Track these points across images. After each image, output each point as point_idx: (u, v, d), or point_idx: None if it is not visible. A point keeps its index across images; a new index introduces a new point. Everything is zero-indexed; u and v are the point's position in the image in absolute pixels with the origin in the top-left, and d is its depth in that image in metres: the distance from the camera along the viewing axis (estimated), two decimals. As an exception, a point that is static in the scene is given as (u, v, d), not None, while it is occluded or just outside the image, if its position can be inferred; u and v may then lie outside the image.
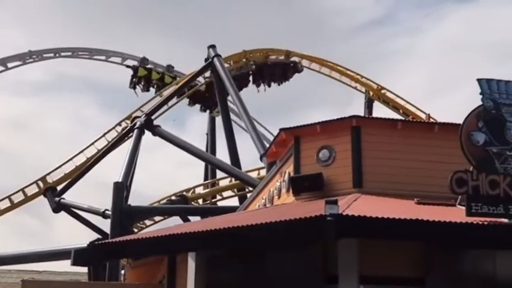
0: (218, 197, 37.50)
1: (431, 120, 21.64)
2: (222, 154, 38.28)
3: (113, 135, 36.78)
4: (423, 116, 37.53)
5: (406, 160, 14.86)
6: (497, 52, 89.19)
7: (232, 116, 38.76)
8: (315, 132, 15.46)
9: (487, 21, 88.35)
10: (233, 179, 34.55)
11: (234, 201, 35.83)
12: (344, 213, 10.78)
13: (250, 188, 29.72)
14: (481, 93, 12.13)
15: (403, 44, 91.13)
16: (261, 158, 26.79)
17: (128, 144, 33.09)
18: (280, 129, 16.33)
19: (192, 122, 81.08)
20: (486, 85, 12.15)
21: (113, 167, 35.04)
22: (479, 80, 12.16)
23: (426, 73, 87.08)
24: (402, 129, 15.32)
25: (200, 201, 36.80)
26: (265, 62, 40.62)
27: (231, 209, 24.65)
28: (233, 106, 36.86)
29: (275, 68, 40.91)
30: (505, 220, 11.47)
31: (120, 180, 29.15)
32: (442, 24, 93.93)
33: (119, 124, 37.56)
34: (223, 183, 36.72)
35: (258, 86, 41.10)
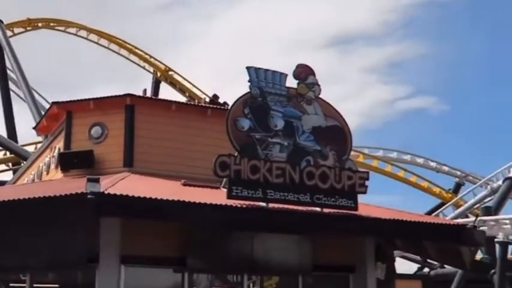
0: (-9, 171, 35.46)
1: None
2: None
3: None
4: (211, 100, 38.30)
5: (177, 141, 15.02)
6: (287, 42, 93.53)
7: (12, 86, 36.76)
8: (88, 108, 15.09)
9: (278, 12, 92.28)
10: (8, 153, 32.83)
11: (9, 176, 34.07)
12: (106, 192, 10.59)
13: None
14: (249, 81, 12.45)
15: (196, 28, 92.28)
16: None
17: None
18: (52, 103, 15.72)
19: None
20: (254, 73, 12.49)
21: None
22: (248, 68, 12.47)
23: (218, 58, 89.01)
24: (176, 110, 15.45)
25: (-30, 174, 34.56)
26: None
27: (0, 184, 23.39)
28: (13, 75, 34.91)
29: None
30: (263, 204, 11.94)
31: None
32: (234, 11, 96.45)
33: None
34: (-3, 156, 34.76)
35: None
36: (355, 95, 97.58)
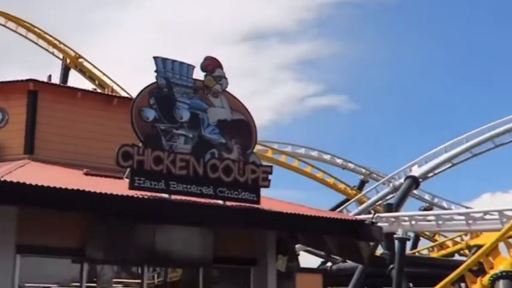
0: None
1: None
2: None
3: None
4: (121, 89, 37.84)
5: (81, 130, 14.76)
6: (201, 35, 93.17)
7: None
8: (-12, 92, 14.60)
9: (193, 4, 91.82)
10: None
11: None
12: (2, 179, 10.27)
13: None
14: (155, 71, 12.31)
15: (109, 15, 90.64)
16: None
17: None
18: None
19: None
20: (161, 63, 12.35)
21: None
22: (155, 58, 12.33)
23: (130, 47, 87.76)
24: (82, 98, 15.18)
25: None
26: None
27: None
28: None
29: None
30: (166, 195, 11.86)
31: None
32: (149, 0, 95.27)
33: None
34: None
35: None
36: (267, 91, 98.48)
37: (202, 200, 12.12)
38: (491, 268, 18.05)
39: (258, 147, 37.95)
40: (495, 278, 17.66)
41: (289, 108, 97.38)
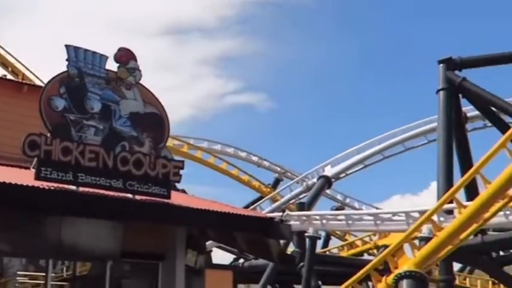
0: None
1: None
2: None
3: None
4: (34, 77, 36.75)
5: (-13, 117, 14.28)
6: (121, 26, 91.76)
7: None
8: None
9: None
10: None
11: None
12: None
13: None
14: (67, 60, 12.02)
15: (24, 1, 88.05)
16: None
17: None
18: None
19: None
20: (73, 52, 12.07)
21: None
22: (67, 46, 12.05)
23: (46, 35, 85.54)
24: (-12, 84, 14.69)
25: None
26: None
27: None
28: None
29: None
30: (73, 187, 11.60)
31: None
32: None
33: None
34: None
35: None
36: (187, 86, 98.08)
37: (111, 193, 11.92)
38: (396, 268, 18.46)
39: (174, 142, 37.93)
40: (399, 278, 18.06)
41: (210, 105, 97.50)
